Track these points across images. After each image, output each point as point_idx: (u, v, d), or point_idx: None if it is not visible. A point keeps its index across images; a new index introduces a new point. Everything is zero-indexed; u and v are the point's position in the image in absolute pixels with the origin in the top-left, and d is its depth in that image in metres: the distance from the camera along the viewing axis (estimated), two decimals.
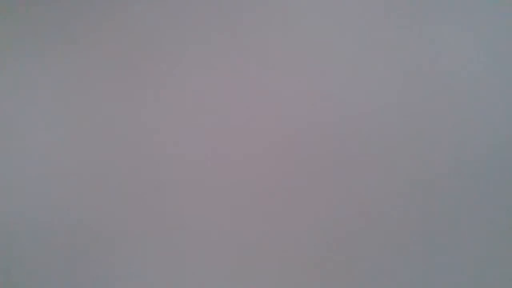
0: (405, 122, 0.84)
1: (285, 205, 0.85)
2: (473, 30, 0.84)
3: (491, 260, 0.82)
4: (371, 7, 0.85)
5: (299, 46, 0.86)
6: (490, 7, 0.84)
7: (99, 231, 0.86)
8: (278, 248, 0.84)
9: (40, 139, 0.88)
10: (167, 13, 0.88)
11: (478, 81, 0.84)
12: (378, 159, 0.84)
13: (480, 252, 0.82)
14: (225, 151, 0.86)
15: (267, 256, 0.85)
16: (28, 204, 0.88)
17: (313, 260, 0.84)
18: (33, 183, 0.88)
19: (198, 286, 0.85)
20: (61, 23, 0.89)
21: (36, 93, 0.89)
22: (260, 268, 0.85)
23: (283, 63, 0.86)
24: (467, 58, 0.84)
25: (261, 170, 0.85)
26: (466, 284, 0.82)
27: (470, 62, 0.84)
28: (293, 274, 0.84)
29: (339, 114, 0.84)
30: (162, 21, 0.88)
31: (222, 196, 0.85)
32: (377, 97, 0.84)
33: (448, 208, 0.83)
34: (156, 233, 0.86)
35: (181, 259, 0.85)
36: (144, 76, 0.87)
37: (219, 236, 0.85)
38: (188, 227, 0.85)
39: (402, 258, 0.83)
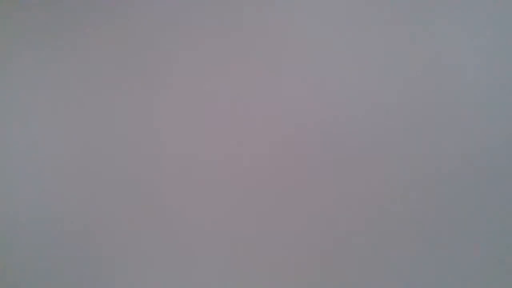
0: (406, 122, 0.84)
1: (285, 205, 0.84)
2: (476, 28, 0.84)
3: (492, 260, 0.82)
4: (372, 7, 0.85)
5: (300, 46, 0.86)
6: (492, 5, 0.84)
7: (99, 229, 0.86)
8: (278, 247, 0.84)
9: (40, 138, 0.88)
10: (170, 13, 0.88)
11: (481, 81, 0.83)
12: (379, 159, 0.84)
13: (482, 252, 0.82)
14: (226, 150, 0.86)
15: (266, 255, 0.84)
16: (28, 202, 0.88)
17: (313, 259, 0.84)
18: (33, 181, 0.88)
19: (197, 284, 0.85)
20: (62, 22, 0.89)
21: (36, 92, 0.89)
22: (259, 268, 0.84)
23: (284, 62, 0.86)
24: (470, 57, 0.84)
25: (262, 169, 0.85)
26: (467, 284, 0.82)
27: (473, 61, 0.84)
28: (293, 273, 0.84)
29: (339, 114, 0.84)
30: (165, 20, 0.88)
31: (222, 195, 0.85)
32: (378, 96, 0.84)
33: (450, 208, 0.83)
34: (156, 231, 0.86)
35: (181, 257, 0.85)
36: (144, 75, 0.87)
37: (218, 234, 0.85)
38: (188, 226, 0.85)
39: (402, 258, 0.83)
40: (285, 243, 0.84)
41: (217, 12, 0.87)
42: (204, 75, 0.86)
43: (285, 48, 0.86)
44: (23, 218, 0.87)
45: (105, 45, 0.88)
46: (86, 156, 0.87)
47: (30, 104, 0.88)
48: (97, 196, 0.87)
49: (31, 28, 0.89)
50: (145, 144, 0.87)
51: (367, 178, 0.83)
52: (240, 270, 0.85)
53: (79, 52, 0.88)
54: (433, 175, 0.83)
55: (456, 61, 0.84)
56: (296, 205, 0.84)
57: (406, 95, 0.84)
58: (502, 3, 0.84)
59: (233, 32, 0.86)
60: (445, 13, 0.84)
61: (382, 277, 0.83)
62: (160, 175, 0.86)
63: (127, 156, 0.86)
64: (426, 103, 0.84)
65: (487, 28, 0.84)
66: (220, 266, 0.85)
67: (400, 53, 0.84)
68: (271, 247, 0.84)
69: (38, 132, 0.88)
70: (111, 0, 0.88)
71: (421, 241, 0.83)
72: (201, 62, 0.87)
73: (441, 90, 0.84)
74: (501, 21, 0.84)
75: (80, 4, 0.89)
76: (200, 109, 0.86)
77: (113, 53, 0.88)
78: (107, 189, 0.87)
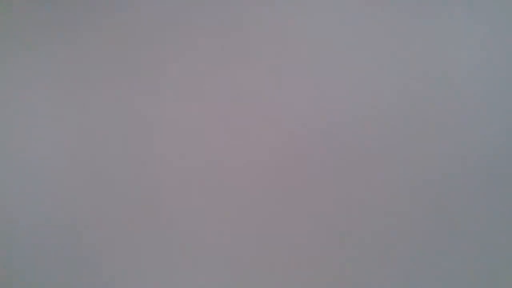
0: (407, 123, 0.84)
1: (286, 206, 0.84)
2: (476, 29, 0.84)
3: (493, 262, 0.82)
4: (372, 8, 0.85)
5: (301, 47, 0.85)
6: (493, 6, 0.84)
7: (98, 231, 0.86)
8: (278, 249, 0.84)
9: (39, 139, 0.88)
10: (170, 14, 0.88)
11: (482, 82, 0.83)
12: (380, 160, 0.84)
13: (482, 253, 0.82)
14: (226, 151, 0.85)
15: (267, 257, 0.84)
16: (26, 203, 0.87)
17: (314, 261, 0.84)
18: (31, 182, 0.87)
19: (197, 285, 0.85)
20: (61, 22, 0.89)
21: (35, 93, 0.88)
22: (260, 269, 0.84)
23: (285, 63, 0.85)
24: (471, 58, 0.84)
25: (262, 170, 0.85)
26: (467, 285, 0.82)
27: (473, 62, 0.84)
28: (293, 274, 0.84)
29: (340, 115, 0.84)
30: (165, 21, 0.88)
31: (222, 196, 0.85)
32: (379, 99, 0.84)
33: (451, 210, 0.83)
34: (156, 233, 0.86)
35: (179, 263, 0.85)
36: (145, 76, 0.87)
37: (217, 235, 0.85)
38: (188, 227, 0.85)
39: (403, 258, 0.83)
40: (285, 244, 0.84)
41: (217, 12, 0.87)
42: (205, 75, 0.86)
43: (286, 49, 0.86)
44: (21, 219, 0.87)
45: (105, 46, 0.88)
46: (85, 157, 0.87)
47: (30, 105, 0.88)
48: (96, 197, 0.87)
49: (31, 28, 0.89)
50: (145, 145, 0.86)
51: (369, 179, 0.83)
52: (240, 272, 0.85)
53: (79, 52, 0.88)
54: (434, 176, 0.83)
55: (460, 62, 0.84)
56: (296, 206, 0.84)
57: (406, 96, 0.84)
58: (503, 3, 0.84)
59: (233, 33, 0.86)
60: (446, 13, 0.84)
61: (382, 279, 0.83)
62: (160, 175, 0.86)
63: (127, 156, 0.86)
64: (427, 104, 0.84)
65: (487, 28, 0.84)
66: (220, 268, 0.85)
67: (400, 54, 0.84)
68: (271, 248, 0.84)
69: (37, 133, 0.88)
70: None
71: (422, 240, 0.83)
72: (201, 63, 0.86)
73: (442, 91, 0.84)
74: (502, 22, 0.84)
75: (79, 3, 0.88)
76: (200, 110, 0.86)
77: (113, 53, 0.88)
78: (106, 190, 0.86)
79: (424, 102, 0.84)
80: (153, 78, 0.87)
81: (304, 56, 0.85)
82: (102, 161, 0.87)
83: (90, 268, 0.86)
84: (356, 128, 0.84)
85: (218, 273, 0.85)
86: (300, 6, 0.86)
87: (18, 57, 0.89)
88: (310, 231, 0.84)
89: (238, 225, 0.85)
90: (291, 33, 0.86)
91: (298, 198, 0.84)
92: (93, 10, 0.88)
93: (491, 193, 0.82)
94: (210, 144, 0.86)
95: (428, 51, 0.84)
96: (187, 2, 0.87)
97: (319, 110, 0.84)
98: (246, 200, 0.85)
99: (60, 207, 0.87)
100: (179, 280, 0.85)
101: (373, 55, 0.85)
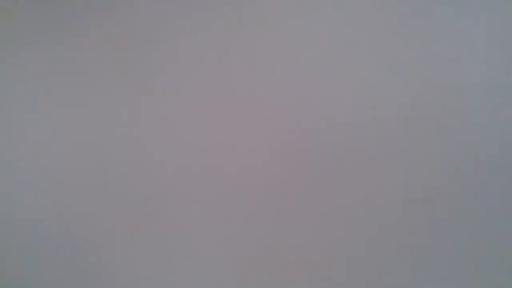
0: (408, 125, 0.84)
1: (284, 209, 0.84)
2: (477, 30, 0.84)
3: (494, 262, 0.82)
4: (373, 8, 0.85)
5: (301, 49, 0.85)
6: (493, 6, 0.84)
7: (98, 232, 0.86)
8: (278, 252, 0.84)
9: (39, 140, 0.88)
10: (170, 14, 0.88)
11: (483, 83, 0.83)
12: (380, 162, 0.83)
13: (484, 254, 0.82)
14: (224, 153, 0.85)
15: (265, 261, 0.84)
16: (27, 204, 0.87)
17: (312, 263, 0.84)
18: (32, 183, 0.88)
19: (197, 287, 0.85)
20: (61, 22, 0.89)
21: (36, 93, 0.88)
22: (258, 272, 0.84)
23: (284, 66, 0.85)
24: (474, 59, 0.83)
25: (261, 173, 0.85)
26: (469, 285, 0.82)
27: (477, 63, 0.83)
28: (292, 278, 0.84)
29: (340, 118, 0.84)
30: (165, 21, 0.88)
31: (221, 199, 0.85)
32: (379, 99, 0.84)
33: (451, 212, 0.83)
34: (154, 237, 0.86)
35: (179, 263, 0.85)
36: (145, 77, 0.87)
37: (217, 240, 0.85)
38: (186, 231, 0.85)
39: (404, 260, 0.83)
40: (286, 244, 0.84)
41: (217, 12, 0.87)
42: (204, 75, 0.86)
43: (286, 49, 0.85)
44: (21, 219, 0.87)
45: (105, 46, 0.88)
46: (85, 157, 0.87)
47: (30, 105, 0.88)
48: (96, 197, 0.87)
49: (31, 28, 0.89)
50: (145, 145, 0.86)
51: (369, 180, 0.83)
52: (240, 272, 0.85)
53: (79, 52, 0.88)
54: (434, 177, 0.83)
55: (458, 62, 0.84)
56: (297, 207, 0.84)
57: (407, 97, 0.84)
58: (503, 3, 0.83)
59: (233, 33, 0.86)
60: (447, 14, 0.84)
61: (383, 280, 0.83)
62: (160, 176, 0.86)
63: (127, 156, 0.86)
64: (427, 105, 0.84)
65: (488, 28, 0.84)
66: (220, 268, 0.85)
67: (401, 54, 0.84)
68: (271, 248, 0.84)
69: (37, 133, 0.88)
70: None
71: (424, 241, 0.83)
72: (201, 63, 0.86)
73: (443, 92, 0.83)
74: (502, 22, 0.83)
75: (79, 3, 0.88)
76: (200, 110, 0.86)
77: (113, 53, 0.88)
78: (106, 190, 0.87)
79: (424, 102, 0.83)
80: (153, 78, 0.87)
81: (304, 56, 0.85)
82: (102, 161, 0.87)
83: (90, 268, 0.86)
84: (357, 128, 0.84)
85: (218, 273, 0.85)
86: (300, 6, 0.85)
87: (18, 57, 0.89)
88: (310, 232, 0.84)
89: (238, 226, 0.85)
90: (291, 33, 0.85)
91: (298, 199, 0.84)
92: (93, 10, 0.88)
93: (492, 194, 0.82)
94: (210, 144, 0.85)
95: (429, 52, 0.84)
96: (187, 2, 0.87)
97: (319, 111, 0.84)
98: (246, 201, 0.85)
99: (60, 207, 0.87)
100: (179, 280, 0.85)
101: (373, 56, 0.84)
